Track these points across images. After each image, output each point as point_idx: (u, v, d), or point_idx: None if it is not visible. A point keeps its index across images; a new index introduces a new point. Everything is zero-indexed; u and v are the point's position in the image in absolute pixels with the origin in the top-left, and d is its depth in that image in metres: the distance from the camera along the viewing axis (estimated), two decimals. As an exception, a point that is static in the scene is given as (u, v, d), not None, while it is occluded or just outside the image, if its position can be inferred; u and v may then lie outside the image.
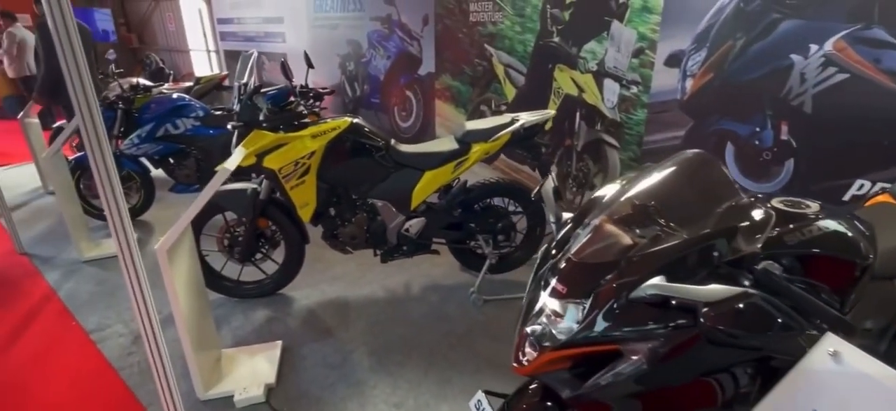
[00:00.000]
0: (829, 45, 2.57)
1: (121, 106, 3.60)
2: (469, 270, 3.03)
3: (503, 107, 3.98)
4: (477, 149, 2.56)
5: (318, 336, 2.50)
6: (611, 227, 0.97)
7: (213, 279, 2.69)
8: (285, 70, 2.56)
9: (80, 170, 3.69)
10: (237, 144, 2.40)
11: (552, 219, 2.34)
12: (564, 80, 3.54)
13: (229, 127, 2.48)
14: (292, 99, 2.52)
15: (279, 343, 2.37)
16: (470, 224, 2.72)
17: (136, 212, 3.93)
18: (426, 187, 2.58)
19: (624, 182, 1.13)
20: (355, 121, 2.53)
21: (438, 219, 2.66)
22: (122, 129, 3.61)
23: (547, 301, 0.97)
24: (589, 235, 0.99)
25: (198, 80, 5.30)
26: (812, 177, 2.77)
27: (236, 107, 2.46)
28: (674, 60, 3.05)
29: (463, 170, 2.59)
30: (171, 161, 3.84)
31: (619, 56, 3.23)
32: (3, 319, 2.66)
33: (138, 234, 3.61)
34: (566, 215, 1.12)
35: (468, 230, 2.73)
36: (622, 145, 3.37)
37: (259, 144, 2.38)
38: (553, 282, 0.98)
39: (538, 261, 1.09)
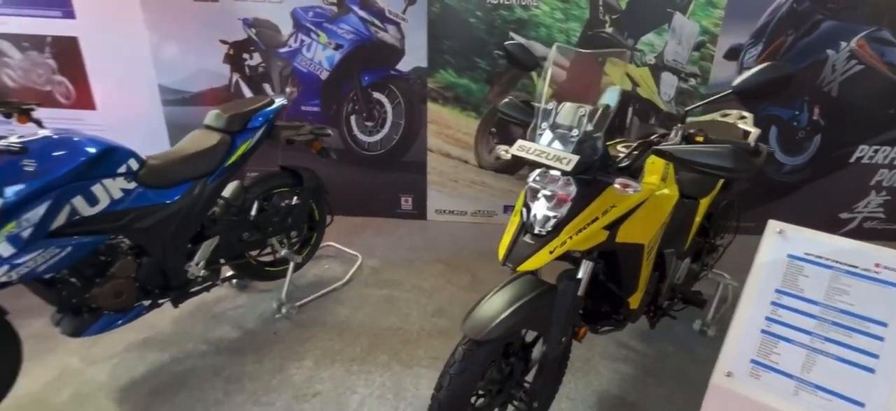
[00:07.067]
0: (853, 43, 3.26)
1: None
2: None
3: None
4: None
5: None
6: None
7: None
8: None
9: None
10: (577, 206, 1.37)
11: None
12: (617, 74, 3.36)
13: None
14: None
15: None
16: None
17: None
18: (698, 221, 2.08)
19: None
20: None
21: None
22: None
23: None
24: None
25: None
26: (831, 147, 3.52)
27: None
28: (733, 53, 3.33)
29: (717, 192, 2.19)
30: (71, 278, 1.85)
31: (680, 49, 3.30)
32: None
33: None
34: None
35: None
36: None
37: (622, 207, 1.45)
38: None
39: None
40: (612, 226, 1.45)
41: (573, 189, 1.36)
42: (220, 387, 1.99)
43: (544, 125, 1.42)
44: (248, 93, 3.60)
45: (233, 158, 2.19)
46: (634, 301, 1.69)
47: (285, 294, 2.50)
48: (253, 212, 2.35)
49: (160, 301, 2.08)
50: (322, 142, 2.60)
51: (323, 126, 2.64)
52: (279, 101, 2.41)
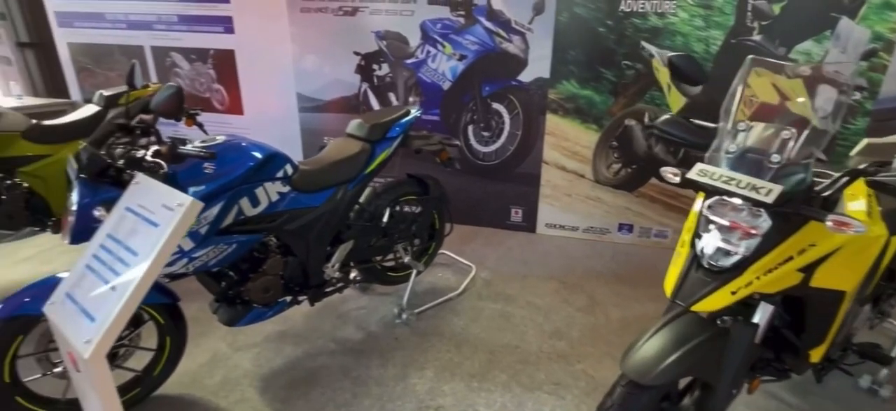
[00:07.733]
0: None
1: (128, 172, 1.65)
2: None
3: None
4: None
5: None
6: None
7: None
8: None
9: None
10: (768, 243, 1.17)
11: None
12: (763, 87, 2.98)
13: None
14: None
15: None
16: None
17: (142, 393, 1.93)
18: (886, 262, 1.73)
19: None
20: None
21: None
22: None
23: None
24: None
25: (111, 100, 2.97)
26: None
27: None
28: (914, 64, 2.79)
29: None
30: (230, 272, 1.97)
31: (844, 58, 2.83)
32: None
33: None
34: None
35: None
36: (831, 157, 3.01)
37: (823, 247, 1.23)
38: None
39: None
40: (808, 268, 1.24)
41: (764, 222, 1.17)
42: (348, 388, 2.04)
43: (732, 148, 1.25)
44: (374, 101, 3.73)
45: (372, 166, 2.25)
46: (816, 354, 1.45)
47: (406, 300, 2.52)
48: (384, 219, 2.39)
49: (300, 298, 2.18)
50: (449, 152, 2.59)
51: (449, 137, 2.63)
52: (414, 112, 2.44)
